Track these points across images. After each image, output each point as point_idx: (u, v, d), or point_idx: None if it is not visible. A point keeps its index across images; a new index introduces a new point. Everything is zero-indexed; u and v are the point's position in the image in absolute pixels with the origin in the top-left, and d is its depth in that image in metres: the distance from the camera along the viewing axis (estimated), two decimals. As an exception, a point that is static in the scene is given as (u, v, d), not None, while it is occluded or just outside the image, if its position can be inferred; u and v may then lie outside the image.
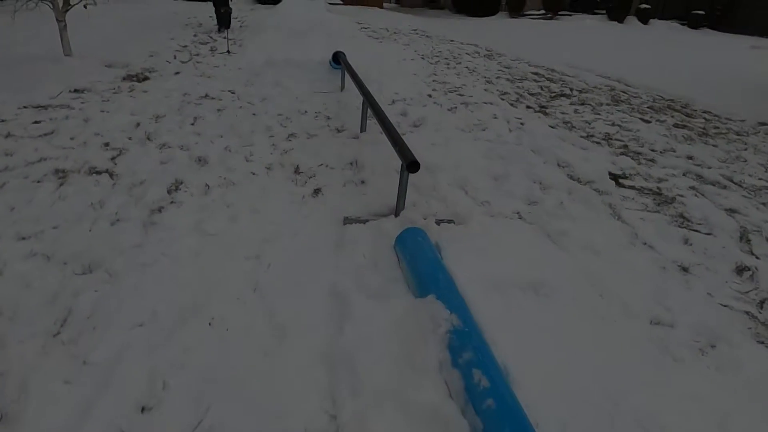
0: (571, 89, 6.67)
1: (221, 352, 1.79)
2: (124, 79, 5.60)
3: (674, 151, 4.30)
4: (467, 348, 1.64)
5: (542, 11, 19.31)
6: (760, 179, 3.77)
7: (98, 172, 3.19)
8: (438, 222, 2.70)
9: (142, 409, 1.55)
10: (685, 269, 2.50)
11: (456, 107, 5.22)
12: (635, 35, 14.61)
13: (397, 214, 2.71)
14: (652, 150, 4.28)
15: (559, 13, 19.09)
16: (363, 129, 4.10)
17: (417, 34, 11.79)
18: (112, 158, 3.42)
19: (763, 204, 3.33)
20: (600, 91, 6.70)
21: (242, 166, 3.41)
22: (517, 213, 2.99)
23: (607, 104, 5.91)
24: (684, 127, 5.15)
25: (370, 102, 3.72)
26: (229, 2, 9.30)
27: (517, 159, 3.78)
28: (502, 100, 5.72)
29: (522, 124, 4.77)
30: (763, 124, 5.50)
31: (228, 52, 7.49)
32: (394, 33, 11.55)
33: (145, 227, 2.58)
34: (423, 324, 1.83)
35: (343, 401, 1.59)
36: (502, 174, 3.46)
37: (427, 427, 1.51)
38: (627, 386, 1.75)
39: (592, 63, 8.82)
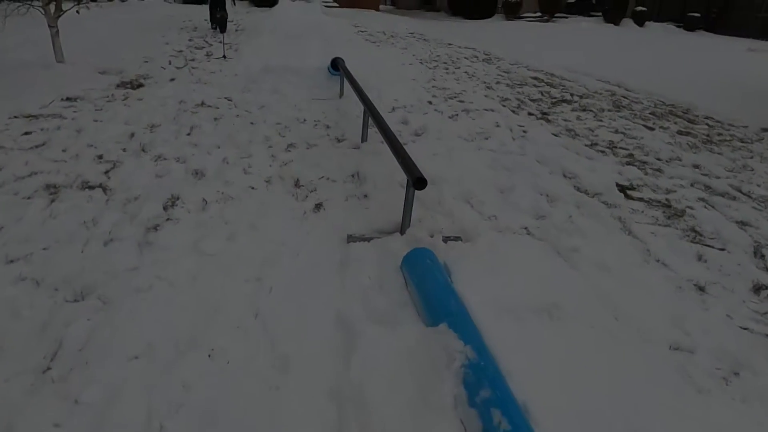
0: (572, 94, 6.60)
1: (222, 388, 1.68)
2: (118, 86, 5.47)
3: (680, 160, 4.23)
4: (484, 384, 1.55)
5: (538, 14, 19.27)
6: (769, 189, 3.71)
7: (91, 187, 3.08)
8: (445, 240, 2.60)
9: (138, 455, 1.45)
10: (701, 288, 2.42)
11: (457, 114, 5.13)
12: (632, 38, 14.60)
13: (402, 232, 2.62)
14: (658, 159, 4.21)
15: (555, 15, 19.07)
16: (364, 139, 4.00)
17: (414, 37, 11.71)
18: (106, 172, 3.31)
19: (774, 216, 3.27)
20: (601, 96, 6.64)
21: (240, 180, 3.30)
22: (525, 228, 2.90)
23: (609, 110, 5.85)
24: (688, 134, 5.09)
25: (372, 112, 3.63)
26: (226, 6, 9.18)
27: (522, 170, 3.69)
28: (504, 106, 5.64)
29: (525, 132, 4.69)
30: (766, 130, 5.45)
31: (224, 57, 7.37)
32: (391, 36, 11.47)
33: (140, 247, 2.47)
34: (435, 356, 1.74)
35: (352, 443, 1.50)
36: (507, 186, 3.38)
37: (444, 473, 1.42)
38: (649, 419, 1.66)
39: (591, 67, 8.77)
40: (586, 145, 4.43)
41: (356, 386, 1.68)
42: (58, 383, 1.65)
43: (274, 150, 3.88)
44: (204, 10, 12.66)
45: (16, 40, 7.07)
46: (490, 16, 19.65)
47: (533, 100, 6.11)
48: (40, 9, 5.66)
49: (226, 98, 5.25)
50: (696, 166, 4.09)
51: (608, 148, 4.43)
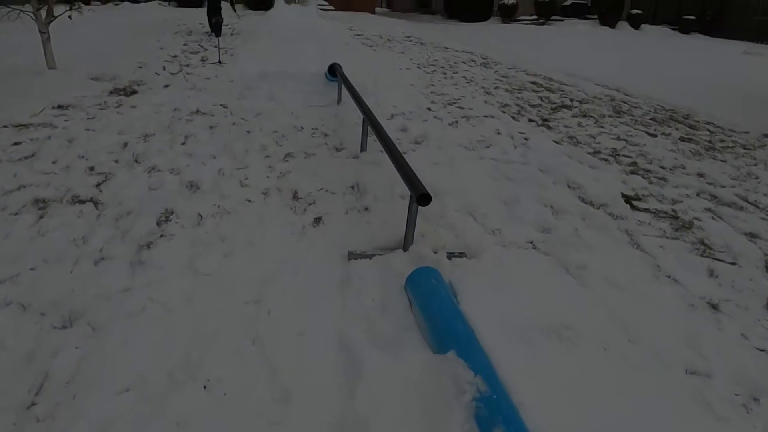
0: (572, 100, 6.55)
1: (219, 424, 1.59)
2: (111, 93, 5.36)
3: (684, 168, 4.17)
4: (497, 420, 1.46)
5: (534, 16, 19.29)
6: (775, 198, 3.65)
7: (82, 201, 2.97)
8: (449, 256, 2.52)
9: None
10: (714, 306, 2.35)
11: (457, 121, 5.06)
12: (628, 41, 14.61)
13: (405, 249, 2.53)
14: (662, 167, 4.14)
15: (551, 18, 19.09)
16: (363, 148, 3.91)
17: (411, 41, 11.64)
18: (98, 185, 3.21)
19: (783, 227, 3.20)
20: (600, 101, 6.59)
21: (237, 192, 3.21)
22: (531, 242, 2.82)
23: (610, 116, 5.79)
24: (690, 140, 5.03)
25: (371, 121, 3.54)
26: (220, 11, 9.08)
27: (525, 180, 3.62)
28: (503, 112, 5.57)
29: (526, 139, 4.62)
30: (767, 136, 5.41)
31: (219, 62, 7.27)
32: (388, 40, 11.39)
33: (132, 267, 2.37)
34: (444, 387, 1.65)
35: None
36: (511, 198, 3.30)
37: None
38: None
39: (589, 70, 8.74)
40: (588, 153, 4.36)
41: (361, 420, 1.59)
42: (44, 421, 1.55)
43: (272, 160, 3.79)
44: (198, 14, 12.56)
45: (6, 45, 6.95)
46: (486, 19, 19.64)
47: (533, 106, 6.05)
48: (31, 14, 5.55)
49: (221, 105, 5.15)
50: (700, 175, 4.03)
51: (611, 155, 4.36)
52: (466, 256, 2.58)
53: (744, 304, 2.38)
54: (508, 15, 19.13)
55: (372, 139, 3.77)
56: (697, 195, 3.62)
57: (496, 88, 6.99)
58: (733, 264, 2.72)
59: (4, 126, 4.07)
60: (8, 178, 3.18)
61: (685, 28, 17.46)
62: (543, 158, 4.08)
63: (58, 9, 5.89)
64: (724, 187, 3.78)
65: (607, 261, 2.64)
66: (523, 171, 3.80)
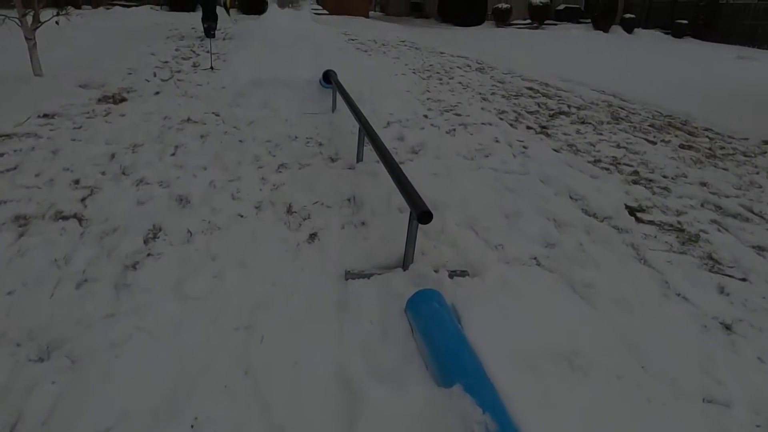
0: (569, 106, 6.48)
1: (207, 470, 1.46)
2: (99, 100, 5.22)
3: (686, 177, 4.09)
4: (509, 465, 1.35)
5: (528, 20, 19.31)
6: (780, 209, 3.58)
7: (65, 218, 2.84)
8: (451, 275, 2.41)
9: None
10: (727, 327, 2.25)
11: (455, 129, 4.96)
12: (621, 45, 14.65)
13: (405, 268, 2.42)
14: (664, 176, 4.07)
15: (545, 22, 19.12)
16: (359, 159, 3.80)
17: (405, 45, 11.57)
18: (82, 199, 3.07)
19: (790, 239, 3.13)
20: (598, 107, 6.52)
21: (228, 206, 3.08)
22: (534, 258, 2.72)
23: (608, 123, 5.72)
24: (690, 147, 4.97)
25: (367, 131, 3.43)
26: (216, 17, 8.95)
27: (526, 191, 3.52)
28: (501, 119, 5.49)
29: (525, 147, 4.53)
30: (767, 142, 5.36)
31: (211, 68, 7.14)
32: (383, 45, 11.32)
33: (116, 290, 2.24)
34: (451, 425, 1.53)
35: None
36: (512, 210, 3.20)
37: None
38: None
39: (585, 75, 8.69)
40: (589, 162, 4.28)
41: (362, 463, 1.47)
42: (14, 471, 1.42)
43: (265, 171, 3.66)
44: (190, 18, 12.44)
45: (-8, 51, 6.78)
46: (480, 23, 19.64)
47: (530, 113, 5.97)
48: (17, 20, 5.39)
49: (213, 113, 5.02)
50: (703, 184, 3.96)
51: (612, 164, 4.28)
52: (468, 275, 2.47)
53: (758, 325, 2.29)
54: (502, 19, 19.14)
55: (368, 149, 3.67)
56: (702, 206, 3.54)
57: (493, 94, 6.91)
58: (744, 280, 2.63)
59: (-13, 136, 3.92)
60: (-12, 192, 3.04)
61: (677, 32, 17.56)
62: (543, 168, 4.00)
63: (45, 14, 5.73)
64: (728, 197, 3.71)
65: (615, 278, 2.54)
66: (523, 181, 3.71)
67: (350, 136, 4.34)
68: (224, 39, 10.14)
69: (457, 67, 9.01)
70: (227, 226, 2.85)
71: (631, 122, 5.83)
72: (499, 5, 19.05)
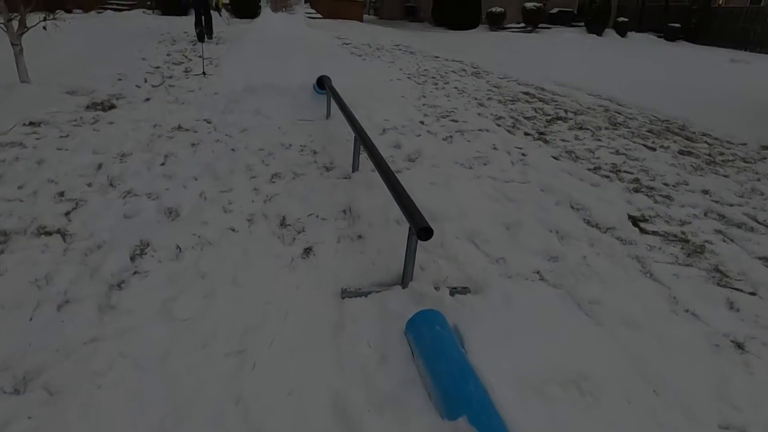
0: (566, 111, 6.42)
1: None
2: (87, 107, 5.09)
3: (687, 185, 4.03)
4: None
5: (522, 24, 19.32)
6: (784, 217, 3.52)
7: (48, 233, 2.71)
8: (452, 292, 2.31)
9: None
10: (739, 346, 2.17)
11: (451, 136, 4.88)
12: (615, 48, 14.66)
13: (404, 285, 2.32)
14: (665, 184, 4.00)
15: (539, 26, 19.14)
16: (355, 168, 3.70)
17: (400, 50, 11.50)
18: (67, 213, 2.95)
19: (797, 249, 3.06)
20: (595, 112, 6.47)
21: (220, 219, 2.97)
22: (538, 272, 2.63)
23: (606, 128, 5.66)
24: (689, 153, 4.91)
25: (363, 140, 3.34)
26: (212, 21, 8.84)
27: (526, 200, 3.44)
28: (498, 126, 5.41)
29: (524, 155, 4.45)
30: (766, 148, 5.32)
31: (204, 73, 7.02)
32: (377, 49, 11.23)
33: (100, 312, 2.12)
34: (456, 463, 1.43)
35: None
36: (513, 221, 3.11)
37: None
38: None
39: (580, 80, 8.65)
40: (588, 170, 4.20)
41: (361, 506, 1.37)
42: None
43: (258, 181, 3.55)
44: (182, 22, 12.30)
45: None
46: (474, 27, 19.62)
47: (527, 118, 5.90)
48: (2, 26, 5.25)
49: (205, 120, 4.91)
50: (705, 192, 3.89)
51: (612, 172, 4.21)
52: (470, 291, 2.37)
53: (770, 342, 2.21)
54: (496, 23, 19.12)
55: (364, 157, 3.58)
56: (705, 215, 3.47)
57: (489, 99, 6.84)
58: (753, 294, 2.56)
59: (-32, 146, 3.78)
60: (-33, 206, 2.91)
61: (670, 36, 17.61)
62: (543, 176, 3.91)
63: (32, 19, 5.59)
64: (731, 205, 3.64)
65: (621, 294, 2.46)
66: (523, 191, 3.62)
67: (345, 144, 4.24)
68: (217, 43, 10.02)
69: (452, 71, 8.94)
70: (218, 241, 2.74)
71: (629, 128, 5.78)
72: (493, 9, 19.03)
